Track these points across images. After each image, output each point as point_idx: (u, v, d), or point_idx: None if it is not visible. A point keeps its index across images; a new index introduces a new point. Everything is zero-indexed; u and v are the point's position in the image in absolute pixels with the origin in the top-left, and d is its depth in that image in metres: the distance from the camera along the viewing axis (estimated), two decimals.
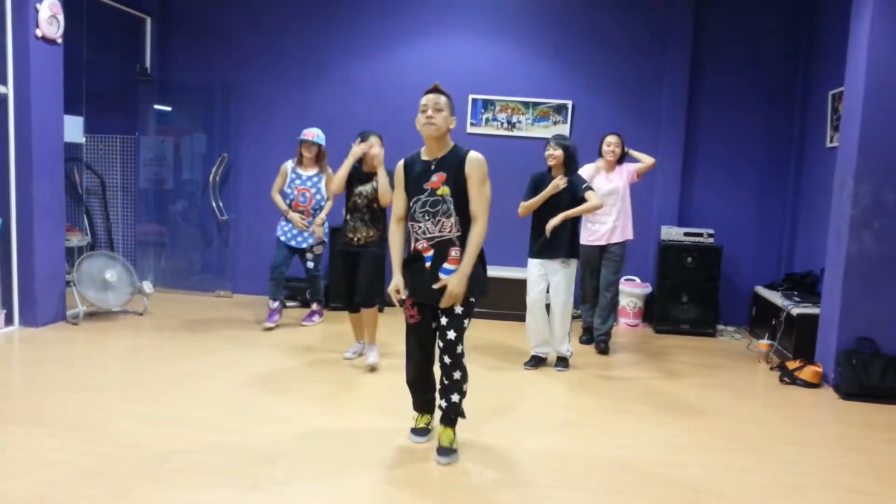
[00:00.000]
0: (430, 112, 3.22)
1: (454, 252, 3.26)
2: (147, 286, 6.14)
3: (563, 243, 4.83)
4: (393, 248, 3.41)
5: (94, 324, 5.71)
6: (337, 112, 6.96)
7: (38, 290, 5.46)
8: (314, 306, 6.06)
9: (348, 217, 4.81)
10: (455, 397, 3.38)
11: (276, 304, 5.88)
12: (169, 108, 7.30)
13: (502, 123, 6.87)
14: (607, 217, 5.54)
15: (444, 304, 3.21)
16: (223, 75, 7.08)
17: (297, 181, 5.71)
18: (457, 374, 3.34)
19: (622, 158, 5.66)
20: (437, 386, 3.48)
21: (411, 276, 3.35)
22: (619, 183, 5.61)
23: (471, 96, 6.86)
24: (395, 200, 3.42)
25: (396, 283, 3.32)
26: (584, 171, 5.65)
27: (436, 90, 3.28)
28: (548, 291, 4.94)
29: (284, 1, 7.01)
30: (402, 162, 3.40)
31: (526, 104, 6.83)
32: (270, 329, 5.75)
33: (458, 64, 6.87)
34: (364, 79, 7.00)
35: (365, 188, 4.75)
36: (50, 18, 5.36)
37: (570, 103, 6.79)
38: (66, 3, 5.57)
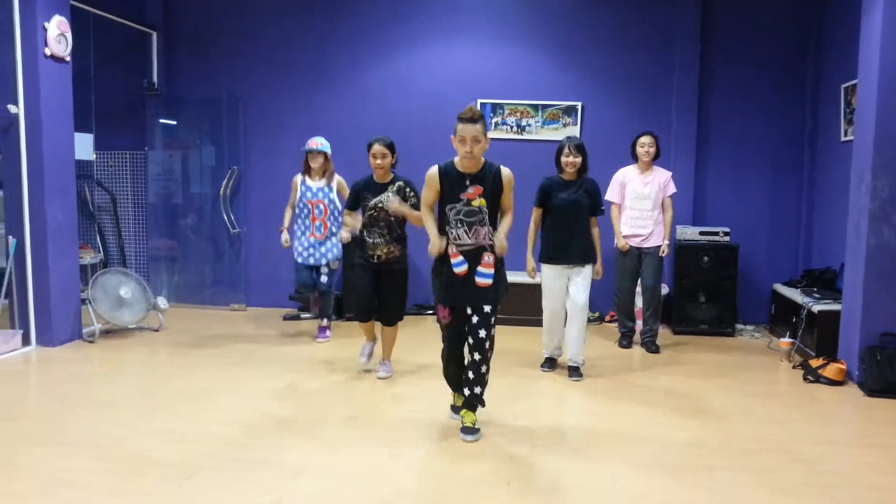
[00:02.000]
0: (468, 147, 3.43)
1: (487, 257, 3.55)
2: (162, 302, 6.13)
3: (583, 249, 4.77)
4: (427, 219, 3.66)
5: (111, 341, 5.70)
6: (345, 120, 6.94)
7: (54, 309, 5.46)
8: (324, 322, 5.92)
9: (366, 233, 4.61)
10: (478, 389, 3.67)
11: (325, 321, 5.88)
12: (175, 123, 7.31)
13: (512, 127, 6.84)
14: (646, 220, 5.59)
15: (498, 251, 3.55)
16: (230, 88, 7.08)
17: (309, 194, 5.66)
18: (483, 369, 3.64)
19: (656, 158, 5.65)
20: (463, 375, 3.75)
21: (444, 282, 3.62)
22: (654, 188, 5.62)
23: (479, 100, 6.83)
24: (425, 196, 3.65)
25: (437, 242, 3.56)
26: (621, 174, 5.67)
27: (471, 119, 3.41)
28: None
29: (289, 12, 7.01)
30: (436, 168, 3.60)
31: (535, 107, 6.80)
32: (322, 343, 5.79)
33: (466, 68, 6.85)
34: (372, 86, 6.98)
35: (381, 198, 4.55)
36: (58, 37, 5.37)
37: (579, 104, 6.75)
38: (73, 20, 5.58)
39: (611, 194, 5.70)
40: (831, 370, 4.80)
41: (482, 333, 3.58)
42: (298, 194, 5.70)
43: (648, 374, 5.04)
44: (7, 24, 5.19)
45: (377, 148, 4.54)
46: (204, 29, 7.15)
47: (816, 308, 5.34)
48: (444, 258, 3.60)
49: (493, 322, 3.62)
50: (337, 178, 5.70)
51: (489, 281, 3.55)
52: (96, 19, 6.32)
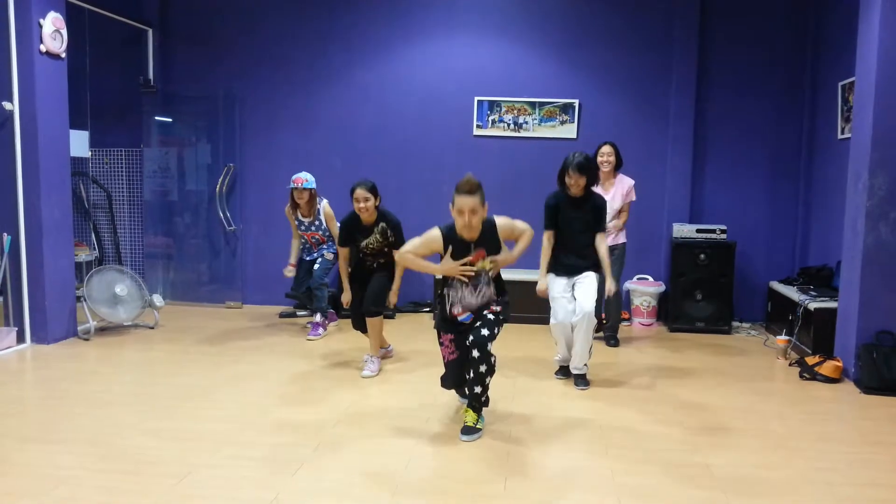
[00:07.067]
0: (466, 219, 3.53)
1: (494, 306, 3.72)
2: (157, 299, 6.10)
3: (590, 262, 4.62)
4: (418, 262, 3.73)
5: (106, 339, 5.67)
6: (342, 118, 6.94)
7: (49, 306, 5.43)
8: (317, 317, 5.90)
9: (361, 256, 4.85)
10: (477, 389, 3.65)
11: (318, 316, 5.86)
12: (171, 120, 7.27)
13: (509, 125, 6.83)
14: (609, 228, 5.36)
15: (493, 266, 3.68)
16: (226, 85, 7.05)
17: (302, 227, 5.84)
18: (482, 368, 3.59)
19: (618, 168, 5.58)
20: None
21: (454, 328, 3.75)
22: (617, 198, 5.55)
23: (476, 98, 6.82)
24: (418, 250, 3.70)
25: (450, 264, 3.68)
26: None
27: (469, 191, 3.49)
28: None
29: (286, 8, 6.98)
30: (438, 232, 3.69)
31: (532, 104, 6.79)
32: (312, 341, 5.74)
33: (463, 65, 6.83)
34: (368, 83, 6.96)
35: (370, 241, 4.75)
36: (53, 33, 5.34)
37: (576, 102, 6.74)
38: (68, 16, 5.55)
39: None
40: (827, 368, 4.81)
41: (484, 332, 3.58)
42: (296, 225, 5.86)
43: (644, 371, 5.03)
44: (1, 21, 5.15)
45: (359, 192, 4.65)
46: (200, 25, 7.12)
47: (813, 306, 5.34)
48: (451, 319, 3.72)
49: (495, 328, 3.63)
50: (324, 207, 5.79)
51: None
52: (91, 16, 6.29)
